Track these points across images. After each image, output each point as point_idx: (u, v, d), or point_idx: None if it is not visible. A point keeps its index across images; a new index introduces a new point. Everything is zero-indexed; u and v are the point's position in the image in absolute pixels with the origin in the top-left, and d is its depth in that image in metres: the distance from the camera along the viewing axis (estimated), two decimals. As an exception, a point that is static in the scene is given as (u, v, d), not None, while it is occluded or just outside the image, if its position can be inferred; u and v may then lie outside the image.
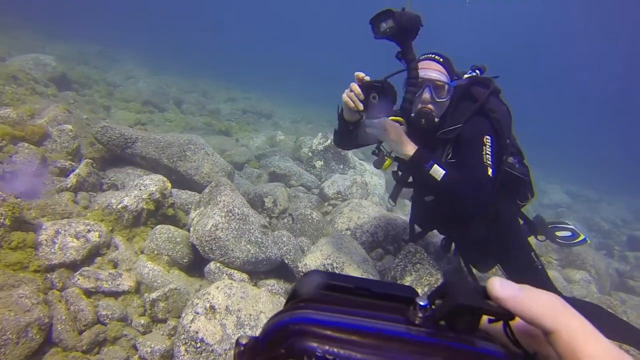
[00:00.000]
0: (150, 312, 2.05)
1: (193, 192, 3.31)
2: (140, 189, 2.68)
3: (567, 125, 28.08)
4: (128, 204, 2.58)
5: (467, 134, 2.10)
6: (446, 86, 2.09)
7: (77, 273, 1.95)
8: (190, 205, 3.07)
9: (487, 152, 2.02)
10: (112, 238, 2.41)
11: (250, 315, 2.06)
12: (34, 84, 4.69)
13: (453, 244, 2.79)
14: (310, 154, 4.63)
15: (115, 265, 2.27)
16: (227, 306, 2.04)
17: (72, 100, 5.07)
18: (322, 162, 4.50)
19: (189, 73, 11.18)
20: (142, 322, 1.98)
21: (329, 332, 0.31)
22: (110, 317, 1.87)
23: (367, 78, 1.92)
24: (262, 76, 14.32)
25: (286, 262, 2.71)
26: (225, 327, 1.95)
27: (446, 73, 2.12)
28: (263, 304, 2.20)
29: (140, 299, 2.13)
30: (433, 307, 0.35)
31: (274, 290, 2.55)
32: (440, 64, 2.13)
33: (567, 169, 14.25)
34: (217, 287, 2.11)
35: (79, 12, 15.84)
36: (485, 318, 0.36)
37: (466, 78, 2.31)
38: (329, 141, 4.53)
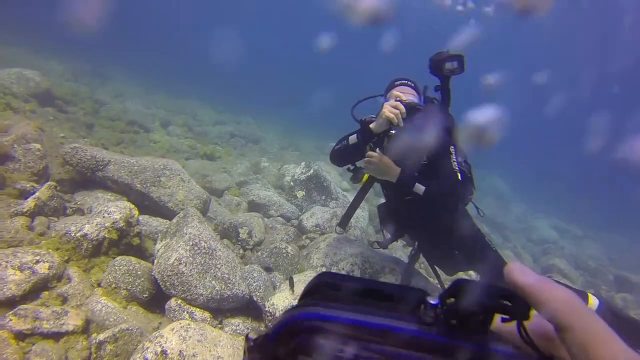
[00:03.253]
0: (95, 356, 1.86)
1: (164, 220, 3.16)
2: (103, 217, 2.53)
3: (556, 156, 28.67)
4: (88, 232, 2.42)
5: (436, 146, 2.44)
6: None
7: (10, 312, 1.75)
8: (159, 235, 2.92)
9: (454, 160, 2.41)
10: (65, 269, 2.23)
11: (206, 362, 1.88)
12: (12, 98, 4.56)
13: (416, 244, 2.95)
14: (292, 183, 4.52)
15: (65, 301, 2.08)
16: (180, 351, 1.86)
17: (51, 117, 4.95)
18: (304, 192, 4.38)
19: (182, 94, 11.15)
20: (84, 368, 1.78)
21: (339, 329, 0.31)
22: (43, 364, 1.67)
23: (405, 98, 2.33)
24: (254, 101, 14.36)
25: (255, 299, 2.55)
26: (176, 376, 1.77)
27: (418, 95, 2.56)
28: (222, 347, 2.03)
29: (87, 341, 1.94)
30: (444, 306, 0.34)
31: (238, 331, 2.37)
32: (413, 89, 2.57)
33: (553, 202, 14.37)
34: (172, 329, 1.94)
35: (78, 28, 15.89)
36: (497, 319, 0.34)
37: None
38: (311, 171, 4.43)
